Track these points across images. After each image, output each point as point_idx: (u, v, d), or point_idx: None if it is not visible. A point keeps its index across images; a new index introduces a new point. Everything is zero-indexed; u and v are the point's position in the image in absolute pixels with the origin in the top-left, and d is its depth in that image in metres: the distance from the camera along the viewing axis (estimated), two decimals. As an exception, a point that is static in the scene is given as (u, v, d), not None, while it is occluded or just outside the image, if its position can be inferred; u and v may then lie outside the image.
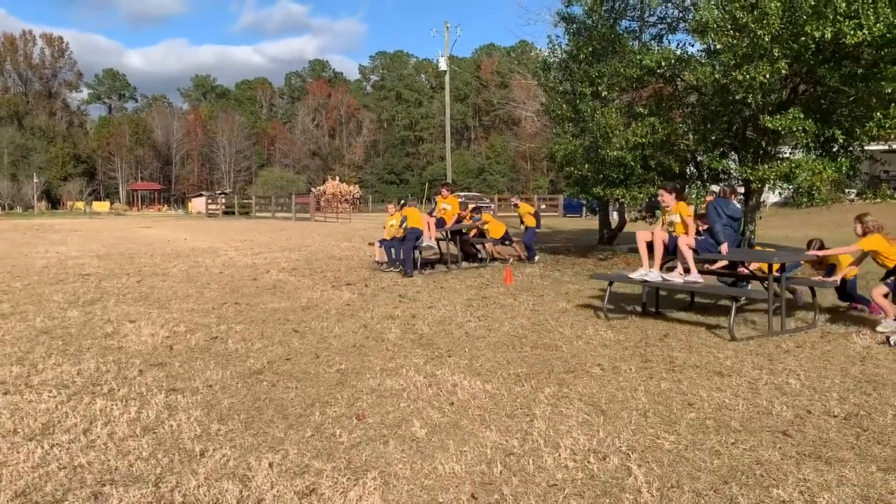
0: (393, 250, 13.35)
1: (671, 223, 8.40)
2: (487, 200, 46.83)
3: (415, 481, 3.80)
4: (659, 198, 8.72)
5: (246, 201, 51.44)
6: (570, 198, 34.29)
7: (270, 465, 4.01)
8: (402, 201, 17.96)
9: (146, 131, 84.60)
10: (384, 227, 14.80)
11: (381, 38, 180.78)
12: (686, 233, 8.16)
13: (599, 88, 12.81)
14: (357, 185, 64.01)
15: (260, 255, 16.69)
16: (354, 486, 3.73)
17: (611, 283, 8.58)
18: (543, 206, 42.72)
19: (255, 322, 8.26)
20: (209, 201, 52.63)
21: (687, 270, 8.00)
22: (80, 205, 68.58)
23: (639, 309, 8.80)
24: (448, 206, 14.04)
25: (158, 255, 17.21)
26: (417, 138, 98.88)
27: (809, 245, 8.57)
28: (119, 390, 5.49)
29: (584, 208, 28.96)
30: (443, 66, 43.71)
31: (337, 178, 62.09)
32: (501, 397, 5.24)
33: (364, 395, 5.31)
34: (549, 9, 66.39)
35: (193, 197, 66.47)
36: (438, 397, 5.29)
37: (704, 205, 10.00)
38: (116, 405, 5.09)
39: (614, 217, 21.23)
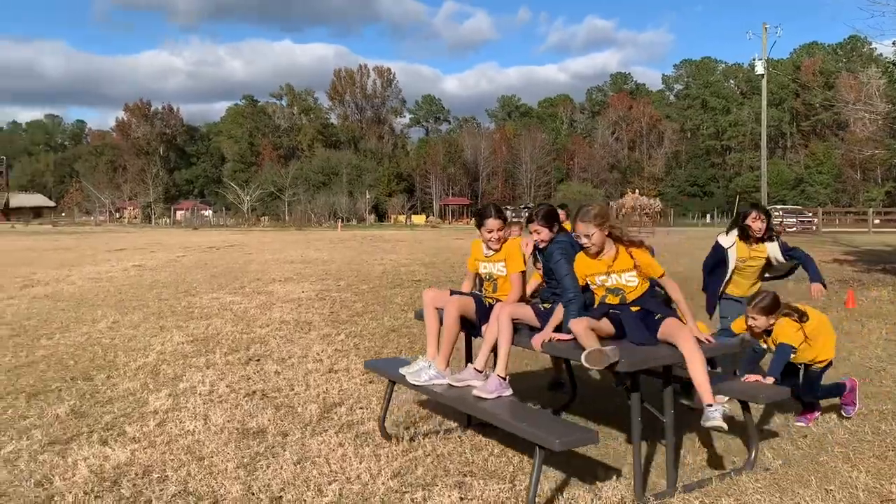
0: None
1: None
2: (810, 214, 42.38)
3: (777, 515, 3.55)
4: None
5: (547, 215, 52.81)
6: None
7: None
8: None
9: (457, 150, 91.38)
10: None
11: (687, 46, 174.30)
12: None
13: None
14: (657, 198, 62.28)
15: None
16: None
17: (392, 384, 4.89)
18: (878, 221, 37.45)
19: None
20: (513, 215, 55.10)
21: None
22: (401, 218, 76.39)
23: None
24: None
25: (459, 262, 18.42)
26: (724, 147, 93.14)
27: (755, 299, 4.92)
28: (464, 389, 5.98)
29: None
30: (759, 69, 40.67)
31: (636, 190, 61.05)
32: (864, 435, 4.70)
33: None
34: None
35: (498, 211, 70.03)
36: (786, 427, 4.91)
37: None
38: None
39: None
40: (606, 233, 4.14)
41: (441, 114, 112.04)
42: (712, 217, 70.86)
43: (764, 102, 42.78)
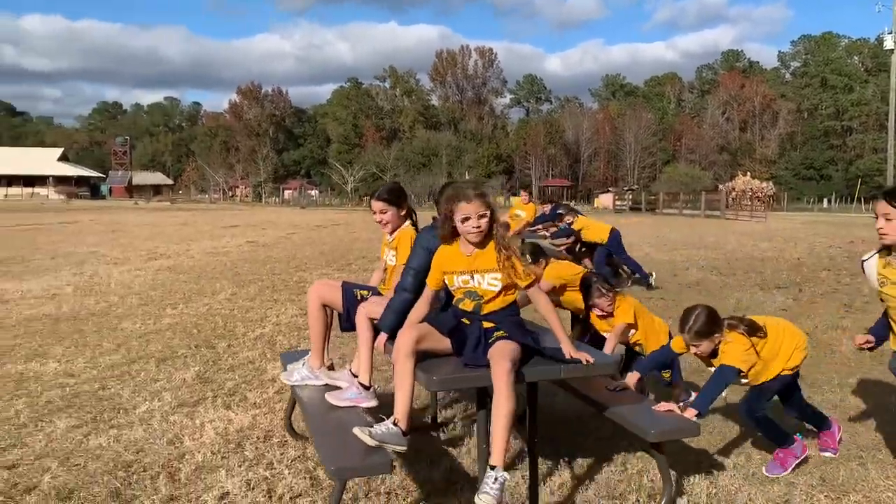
0: None
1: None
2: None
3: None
4: None
5: (652, 197, 51.44)
6: None
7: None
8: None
9: (558, 131, 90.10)
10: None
11: (807, 21, 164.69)
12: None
13: None
14: (770, 182, 59.38)
15: (676, 252, 16.52)
16: (835, 505, 3.45)
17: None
18: None
19: (685, 319, 8.19)
20: (616, 197, 53.90)
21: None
22: (500, 199, 76.33)
23: None
24: (522, 213, 12.21)
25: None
26: (845, 128, 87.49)
27: (686, 323, 3.77)
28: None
29: None
30: (888, 44, 37.89)
31: (747, 173, 58.39)
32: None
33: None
34: None
35: (600, 193, 68.83)
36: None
37: None
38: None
39: None
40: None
41: (542, 94, 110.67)
42: (830, 202, 66.86)
43: (893, 80, 39.86)
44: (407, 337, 3.14)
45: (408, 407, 3.14)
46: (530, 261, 4.98)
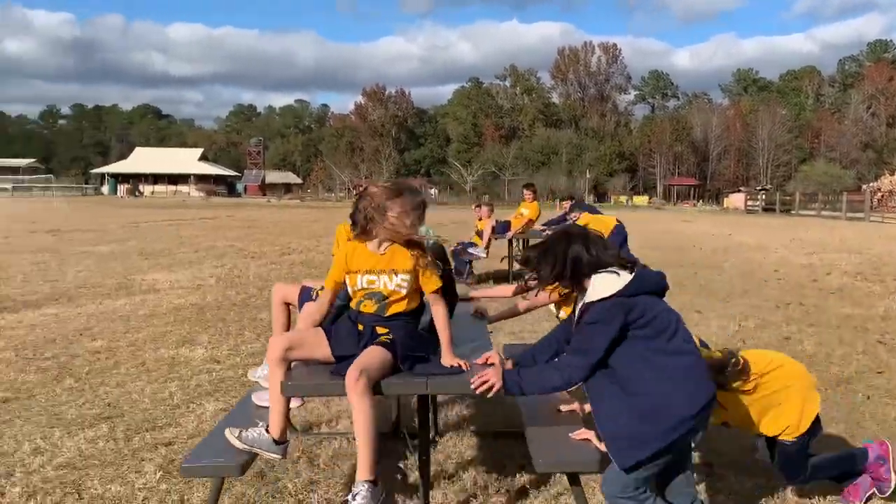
0: None
1: None
2: None
3: None
4: None
5: (787, 198, 48.64)
6: None
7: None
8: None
9: (685, 128, 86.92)
10: None
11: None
12: None
13: None
14: (923, 181, 54.54)
15: (815, 256, 15.54)
16: None
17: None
18: None
19: (829, 326, 7.70)
20: (748, 197, 51.41)
21: None
22: (622, 198, 74.55)
23: None
24: (526, 211, 11.45)
25: (707, 248, 17.52)
26: None
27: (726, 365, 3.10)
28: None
29: None
30: None
31: (895, 172, 53.94)
32: None
33: None
34: None
35: (730, 193, 65.83)
36: None
37: None
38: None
39: None
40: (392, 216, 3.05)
41: (669, 89, 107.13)
42: None
43: None
44: (277, 345, 3.00)
45: (279, 416, 3.03)
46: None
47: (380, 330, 3.06)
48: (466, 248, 11.04)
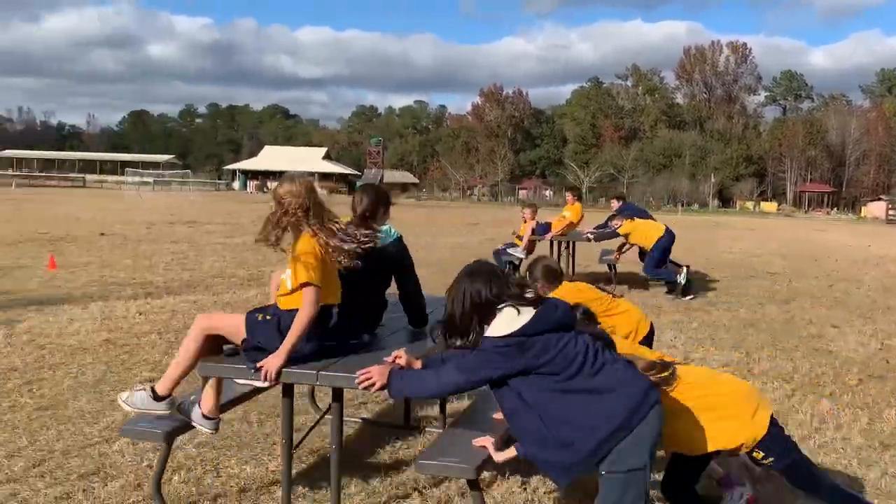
0: None
1: None
2: None
3: None
4: None
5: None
6: None
7: None
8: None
9: (820, 131, 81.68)
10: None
11: None
12: None
13: None
14: None
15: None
16: None
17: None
18: None
19: None
20: (889, 206, 47.77)
21: None
22: (748, 204, 71.09)
23: None
24: (568, 213, 11.32)
25: (843, 259, 16.42)
26: None
27: None
28: (842, 395, 5.38)
29: None
30: None
31: None
32: None
33: None
34: None
35: (869, 201, 61.39)
36: None
37: None
38: (845, 411, 4.99)
39: None
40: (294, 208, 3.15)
41: (802, 91, 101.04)
42: None
43: None
44: (203, 321, 3.24)
45: (172, 376, 3.23)
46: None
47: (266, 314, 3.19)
48: (506, 249, 11.19)
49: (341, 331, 3.28)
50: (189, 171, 79.55)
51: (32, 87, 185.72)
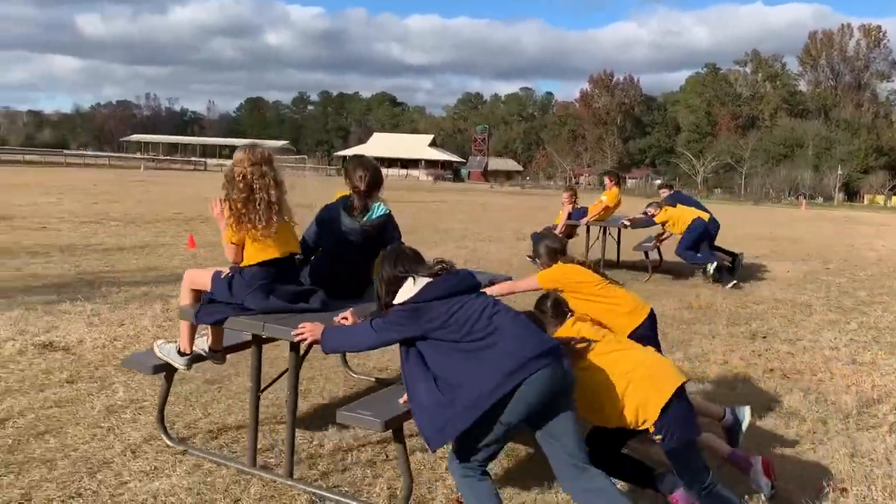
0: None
1: None
2: None
3: None
4: None
5: None
6: None
7: None
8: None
9: (964, 120, 75.26)
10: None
11: None
12: None
13: None
14: None
15: None
16: None
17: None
18: None
19: None
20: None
21: None
22: (879, 198, 66.47)
23: None
24: (605, 197, 10.91)
25: None
26: None
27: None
28: None
29: None
30: None
31: None
32: None
33: None
34: None
35: None
36: None
37: None
38: None
39: None
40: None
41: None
42: None
43: None
44: (186, 279, 3.71)
45: (184, 334, 3.69)
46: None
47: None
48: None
49: (299, 292, 3.60)
50: (305, 157, 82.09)
51: (158, 75, 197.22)
